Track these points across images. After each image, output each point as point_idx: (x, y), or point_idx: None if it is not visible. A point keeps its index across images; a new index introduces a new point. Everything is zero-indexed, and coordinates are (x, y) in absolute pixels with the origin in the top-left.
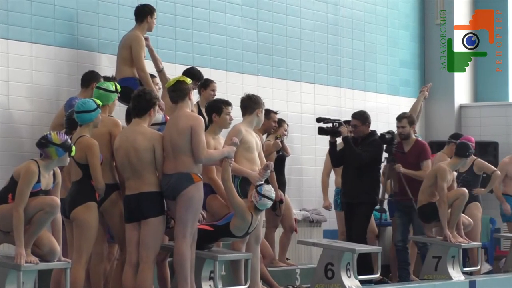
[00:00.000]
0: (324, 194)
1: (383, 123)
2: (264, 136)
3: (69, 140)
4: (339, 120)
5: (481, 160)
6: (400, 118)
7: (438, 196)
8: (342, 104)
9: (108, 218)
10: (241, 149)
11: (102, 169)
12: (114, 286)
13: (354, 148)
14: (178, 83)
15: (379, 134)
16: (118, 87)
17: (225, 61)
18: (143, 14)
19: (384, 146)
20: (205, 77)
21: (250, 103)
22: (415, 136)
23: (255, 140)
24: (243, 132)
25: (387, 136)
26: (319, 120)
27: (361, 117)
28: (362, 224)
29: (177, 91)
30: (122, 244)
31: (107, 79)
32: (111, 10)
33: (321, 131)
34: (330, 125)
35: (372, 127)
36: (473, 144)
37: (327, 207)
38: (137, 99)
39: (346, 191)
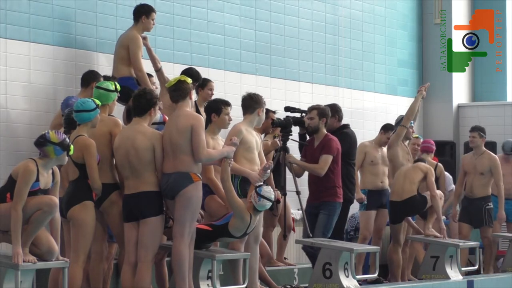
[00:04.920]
0: (356, 187)
1: (381, 122)
2: (262, 136)
3: (67, 139)
4: (305, 111)
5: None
6: (310, 109)
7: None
8: (340, 104)
9: (108, 218)
10: (241, 149)
11: (102, 169)
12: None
13: None
14: (179, 82)
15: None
16: (118, 86)
17: (223, 61)
18: (139, 14)
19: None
20: (203, 76)
21: (251, 103)
22: (413, 136)
23: (255, 139)
24: (244, 132)
25: (277, 120)
26: (287, 109)
27: (331, 110)
28: (339, 223)
29: (178, 91)
30: (122, 244)
31: (107, 78)
32: (109, 9)
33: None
34: (297, 115)
35: (370, 127)
36: (433, 146)
37: (360, 200)
38: (138, 98)
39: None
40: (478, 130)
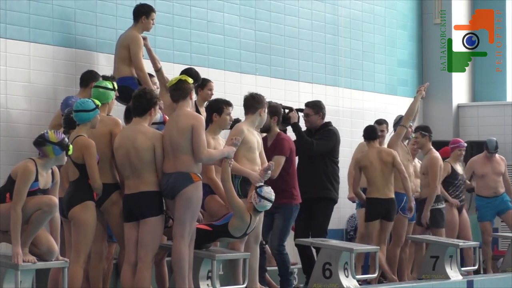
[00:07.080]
0: (349, 185)
1: None
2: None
3: (66, 139)
4: (291, 107)
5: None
6: None
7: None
8: (340, 104)
9: (109, 218)
10: (242, 149)
11: (102, 169)
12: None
13: (304, 135)
14: (180, 82)
15: None
16: (115, 85)
17: (223, 61)
18: (139, 14)
19: None
20: (203, 76)
21: (253, 103)
22: (411, 136)
23: (256, 139)
24: (245, 132)
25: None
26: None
27: (315, 106)
28: (322, 223)
29: (178, 90)
30: (122, 244)
31: (105, 78)
32: (109, 9)
33: None
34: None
35: None
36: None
37: (352, 199)
38: (138, 98)
39: (301, 187)
40: (419, 129)
